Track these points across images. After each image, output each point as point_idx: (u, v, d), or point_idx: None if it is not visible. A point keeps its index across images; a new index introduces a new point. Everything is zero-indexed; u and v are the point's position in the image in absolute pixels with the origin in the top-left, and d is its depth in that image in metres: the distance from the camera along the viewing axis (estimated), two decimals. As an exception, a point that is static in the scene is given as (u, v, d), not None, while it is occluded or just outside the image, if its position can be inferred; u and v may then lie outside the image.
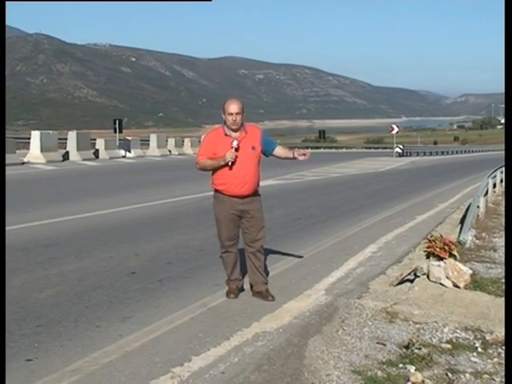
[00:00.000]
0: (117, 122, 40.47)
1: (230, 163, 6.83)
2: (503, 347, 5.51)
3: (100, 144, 34.67)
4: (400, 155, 56.11)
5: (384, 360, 5.38)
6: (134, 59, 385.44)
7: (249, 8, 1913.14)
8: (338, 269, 9.03)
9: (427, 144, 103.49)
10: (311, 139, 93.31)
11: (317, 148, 69.01)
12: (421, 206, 16.71)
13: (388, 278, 8.46)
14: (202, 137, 7.87)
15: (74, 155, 31.25)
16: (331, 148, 72.80)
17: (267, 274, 7.93)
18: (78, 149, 31.62)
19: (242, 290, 7.43)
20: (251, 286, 7.39)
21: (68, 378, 4.94)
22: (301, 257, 9.46)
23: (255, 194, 7.17)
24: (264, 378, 4.94)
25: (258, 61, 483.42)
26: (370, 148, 79.82)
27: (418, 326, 6.30)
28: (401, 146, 58.63)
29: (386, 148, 69.78)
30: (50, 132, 31.31)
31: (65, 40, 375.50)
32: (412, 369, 5.10)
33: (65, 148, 31.81)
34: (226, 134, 6.97)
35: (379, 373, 5.06)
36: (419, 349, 5.53)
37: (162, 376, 4.97)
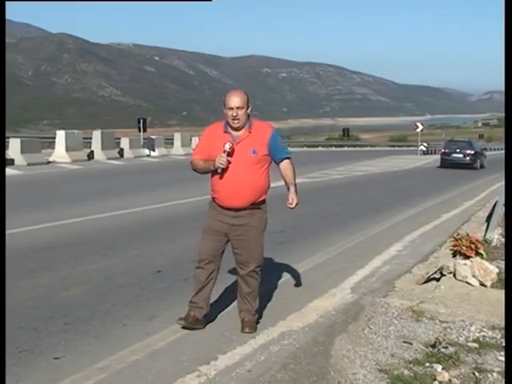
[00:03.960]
0: (141, 121, 40.64)
1: (219, 170, 5.75)
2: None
3: (124, 143, 34.73)
4: (424, 153, 55.80)
5: (410, 359, 5.37)
6: (157, 58, 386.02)
7: (272, 6, 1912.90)
8: (364, 267, 9.01)
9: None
10: (335, 137, 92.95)
11: (341, 146, 68.83)
12: (446, 204, 16.65)
13: (414, 276, 8.43)
14: None
15: (99, 154, 31.35)
16: (355, 146, 72.53)
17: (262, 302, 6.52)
18: (103, 148, 31.71)
19: (200, 323, 6.08)
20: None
21: (95, 376, 4.97)
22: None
23: (254, 206, 5.94)
24: (290, 377, 4.94)
25: (281, 59, 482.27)
26: (394, 146, 79.37)
27: (444, 324, 6.27)
28: (425, 144, 58.32)
29: (410, 146, 69.39)
30: (75, 131, 31.48)
31: (89, 40, 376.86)
32: (439, 368, 5.08)
33: (90, 147, 31.92)
34: (225, 132, 5.87)
35: (406, 372, 5.04)
36: (446, 348, 5.50)
37: (188, 375, 4.99)
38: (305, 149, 59.74)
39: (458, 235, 7.84)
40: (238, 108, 5.74)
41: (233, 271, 6.58)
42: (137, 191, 18.35)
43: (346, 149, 64.53)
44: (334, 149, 64.94)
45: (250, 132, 5.83)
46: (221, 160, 5.68)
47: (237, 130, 5.83)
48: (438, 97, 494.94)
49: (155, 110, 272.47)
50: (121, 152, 33.67)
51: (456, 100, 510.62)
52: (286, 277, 8.28)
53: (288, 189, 5.95)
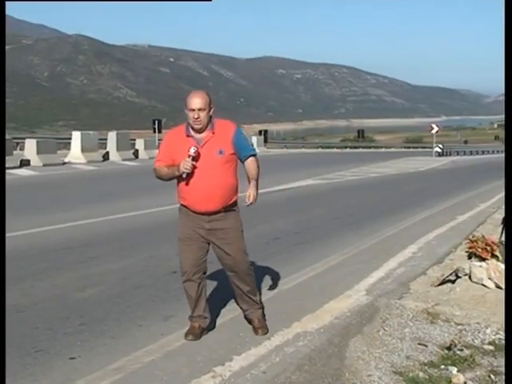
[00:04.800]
0: (156, 122, 40.81)
1: (184, 175, 5.56)
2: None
3: (139, 144, 34.80)
4: (440, 155, 55.59)
5: (425, 361, 5.35)
6: (172, 59, 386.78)
7: (287, 7, 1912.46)
8: (378, 269, 8.97)
9: (461, 143, 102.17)
10: (350, 139, 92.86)
11: (355, 148, 68.69)
12: (461, 206, 16.55)
13: (429, 278, 8.38)
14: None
15: (114, 155, 31.46)
16: (370, 148, 72.34)
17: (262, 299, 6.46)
18: (118, 149, 31.83)
19: (208, 329, 6.04)
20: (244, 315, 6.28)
21: (111, 376, 4.99)
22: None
23: (228, 208, 5.76)
24: (305, 378, 4.94)
25: (296, 60, 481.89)
26: (409, 147, 79.12)
27: (459, 327, 6.24)
28: (440, 146, 58.09)
29: (425, 147, 69.15)
30: (91, 132, 31.59)
31: (104, 41, 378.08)
32: (454, 370, 5.06)
33: (105, 148, 32.05)
34: (187, 135, 5.63)
35: (421, 374, 5.02)
36: (461, 350, 5.48)
37: (203, 375, 4.99)
38: (319, 150, 59.72)
39: (473, 237, 7.83)
40: (199, 110, 5.49)
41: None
42: (152, 192, 18.33)
43: (360, 150, 64.40)
44: (348, 150, 64.83)
45: (213, 133, 5.60)
46: (185, 165, 5.45)
47: (199, 131, 5.59)
48: (454, 98, 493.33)
49: (170, 111, 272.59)
50: (136, 153, 33.74)
51: (471, 101, 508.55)
52: (301, 278, 8.29)
53: (249, 182, 5.78)
